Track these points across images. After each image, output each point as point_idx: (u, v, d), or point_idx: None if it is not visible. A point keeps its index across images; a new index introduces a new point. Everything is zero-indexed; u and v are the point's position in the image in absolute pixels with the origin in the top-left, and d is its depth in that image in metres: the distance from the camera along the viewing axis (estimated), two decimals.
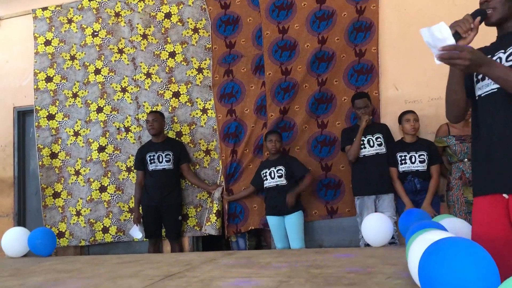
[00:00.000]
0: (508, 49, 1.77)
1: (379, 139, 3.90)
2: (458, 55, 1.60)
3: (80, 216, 4.69)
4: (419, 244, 1.40)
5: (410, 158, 3.83)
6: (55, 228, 4.71)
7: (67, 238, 4.72)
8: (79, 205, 4.71)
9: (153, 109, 4.57)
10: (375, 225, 2.71)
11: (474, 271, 1.16)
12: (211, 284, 1.94)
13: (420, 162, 3.81)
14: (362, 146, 3.88)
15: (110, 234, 4.64)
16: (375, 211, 3.83)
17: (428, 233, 1.44)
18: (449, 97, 1.89)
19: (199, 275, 2.15)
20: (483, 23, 1.79)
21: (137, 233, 4.33)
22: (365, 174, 3.89)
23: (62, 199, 4.77)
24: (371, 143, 3.89)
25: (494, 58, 1.78)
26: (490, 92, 1.79)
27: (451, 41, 1.63)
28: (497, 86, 1.74)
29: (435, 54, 1.66)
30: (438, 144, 3.87)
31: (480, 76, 1.84)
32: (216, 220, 4.32)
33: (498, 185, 1.73)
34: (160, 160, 4.30)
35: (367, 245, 3.82)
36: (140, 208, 4.37)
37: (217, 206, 4.33)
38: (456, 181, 3.77)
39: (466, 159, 3.74)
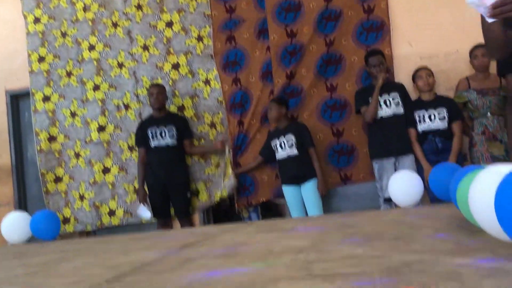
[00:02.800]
0: None
1: (396, 99, 3.68)
2: (509, 7, 1.53)
3: (84, 200, 4.48)
4: (486, 181, 1.19)
5: (429, 116, 3.62)
6: (60, 213, 4.50)
7: (72, 224, 4.51)
8: (81, 188, 4.49)
9: (153, 83, 4.33)
10: (405, 182, 2.50)
11: None
12: (237, 249, 1.73)
13: (440, 120, 3.60)
14: (379, 107, 3.66)
15: (117, 217, 4.43)
16: None
17: (492, 168, 1.22)
18: (485, 35, 1.87)
19: (220, 243, 1.95)
20: None
21: (144, 212, 4.12)
22: (383, 136, 3.68)
23: (65, 183, 4.54)
24: (388, 103, 3.67)
25: None
26: None
27: None
28: None
29: (484, 13, 1.63)
30: (459, 100, 3.66)
31: None
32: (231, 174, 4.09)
33: None
34: (163, 136, 4.07)
35: None
36: (146, 187, 4.16)
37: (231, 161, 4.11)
38: (479, 137, 3.58)
39: (489, 113, 3.55)
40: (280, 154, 3.85)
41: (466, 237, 1.44)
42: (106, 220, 4.44)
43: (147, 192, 4.13)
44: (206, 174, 4.30)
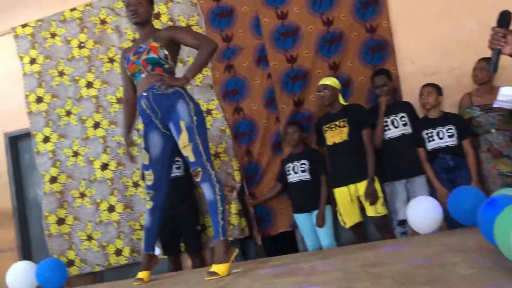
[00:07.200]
0: None
1: (403, 119, 3.60)
2: None
3: (92, 240, 4.36)
4: None
5: (438, 133, 3.53)
6: (64, 257, 4.38)
7: (77, 267, 4.37)
8: (88, 228, 4.37)
9: None
10: (424, 208, 2.39)
11: None
12: None
13: (449, 137, 3.50)
14: (386, 128, 3.58)
15: (124, 256, 4.30)
16: (407, 197, 3.53)
17: None
18: None
19: None
20: None
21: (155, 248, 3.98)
22: (393, 157, 3.58)
23: (68, 225, 4.43)
24: (396, 124, 3.59)
25: None
26: None
27: None
28: None
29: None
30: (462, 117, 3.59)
31: None
32: (239, 221, 3.99)
33: None
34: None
35: (403, 234, 3.51)
36: None
37: (237, 207, 4.00)
38: (485, 154, 3.48)
39: (493, 130, 3.46)
40: (292, 177, 3.78)
41: (508, 279, 1.34)
42: (113, 260, 4.32)
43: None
44: None
